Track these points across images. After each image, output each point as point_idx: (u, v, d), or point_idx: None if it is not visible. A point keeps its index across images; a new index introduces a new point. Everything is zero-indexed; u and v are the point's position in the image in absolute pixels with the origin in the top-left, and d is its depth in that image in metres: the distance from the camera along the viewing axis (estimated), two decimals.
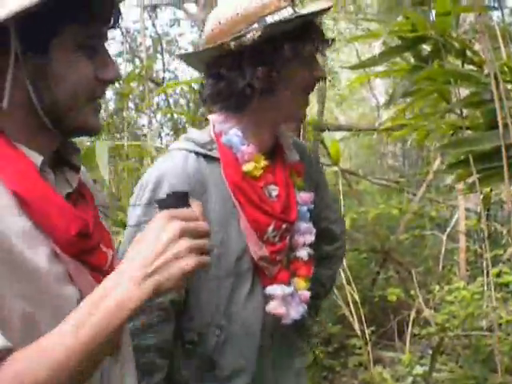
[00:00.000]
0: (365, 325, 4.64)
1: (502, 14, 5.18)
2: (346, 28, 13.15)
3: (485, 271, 5.12)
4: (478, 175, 1.72)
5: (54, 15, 1.06)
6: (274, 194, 1.89)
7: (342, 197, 5.24)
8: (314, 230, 1.99)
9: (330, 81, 11.76)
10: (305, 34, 1.78)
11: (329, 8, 1.80)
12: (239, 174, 1.83)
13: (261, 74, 1.74)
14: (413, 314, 5.36)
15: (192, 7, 10.12)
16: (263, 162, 1.84)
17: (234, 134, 1.85)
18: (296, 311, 1.90)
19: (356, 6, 12.42)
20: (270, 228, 1.81)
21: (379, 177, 9.71)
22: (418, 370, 4.83)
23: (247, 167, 1.83)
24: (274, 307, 1.86)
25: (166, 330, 1.78)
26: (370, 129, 8.97)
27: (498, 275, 5.38)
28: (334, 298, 4.72)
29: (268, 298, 1.87)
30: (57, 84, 1.12)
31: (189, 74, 10.72)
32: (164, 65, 9.72)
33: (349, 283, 4.43)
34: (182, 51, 9.45)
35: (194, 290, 1.82)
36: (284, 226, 1.85)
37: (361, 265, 6.74)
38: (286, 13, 1.75)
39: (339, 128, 8.76)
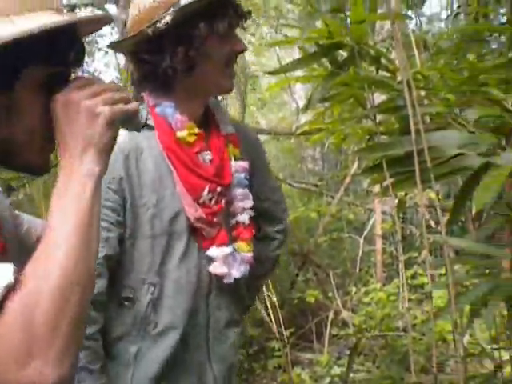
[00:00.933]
0: (283, 327, 4.68)
1: (420, 22, 5.33)
2: (268, 32, 13.26)
3: (400, 273, 5.25)
4: (392, 179, 1.75)
5: (17, 57, 1.06)
6: (208, 159, 1.98)
7: None
8: (251, 196, 2.09)
9: (250, 85, 11.81)
10: (219, 10, 1.88)
11: None
12: (173, 139, 1.93)
13: (180, 54, 1.85)
14: (331, 316, 5.45)
15: (112, 8, 9.99)
16: (196, 130, 1.95)
17: (167, 105, 1.95)
18: (237, 270, 2.00)
19: (277, 12, 12.53)
20: (205, 191, 1.92)
21: (299, 180, 9.80)
22: (336, 370, 4.91)
23: (180, 134, 1.93)
24: (215, 267, 1.95)
25: (98, 284, 1.81)
26: (289, 133, 9.06)
27: (413, 277, 5.54)
28: None
29: (208, 260, 1.96)
30: (18, 120, 1.11)
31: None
32: (83, 66, 9.56)
33: (267, 286, 4.45)
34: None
35: (129, 248, 1.91)
36: (219, 189, 1.95)
37: (280, 267, 6.79)
38: None
39: (259, 132, 8.82)
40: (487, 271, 1.99)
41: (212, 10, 1.85)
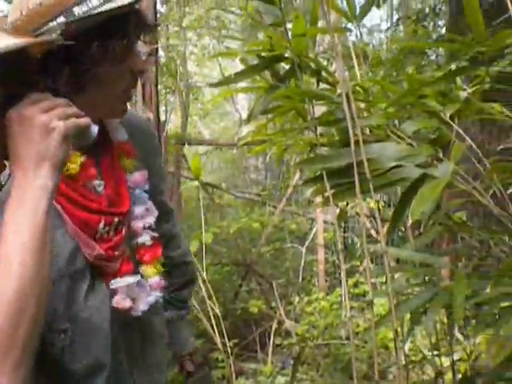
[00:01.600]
0: (226, 338, 4.67)
1: (360, 34, 5.43)
2: (209, 43, 13.27)
3: (342, 282, 5.31)
4: (333, 190, 1.77)
5: None
6: (100, 188, 1.74)
7: (203, 211, 5.25)
8: (155, 209, 1.89)
9: (193, 95, 11.79)
10: (119, 28, 1.58)
11: None
12: None
13: (65, 75, 1.54)
14: (274, 326, 5.46)
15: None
16: (81, 159, 1.67)
17: None
18: (145, 302, 1.81)
19: (219, 22, 12.57)
20: (100, 225, 1.69)
21: (242, 190, 9.83)
22: (280, 380, 4.92)
23: None
24: (117, 301, 1.75)
25: None
26: (231, 143, 9.09)
27: (356, 285, 5.61)
28: (196, 312, 4.73)
29: (112, 294, 1.75)
30: None
31: None
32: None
33: (210, 297, 4.44)
34: None
35: None
36: (116, 219, 1.73)
37: (223, 278, 6.79)
38: (97, 1, 1.47)
39: (201, 142, 8.81)
40: (427, 279, 2.03)
41: (110, 27, 1.54)
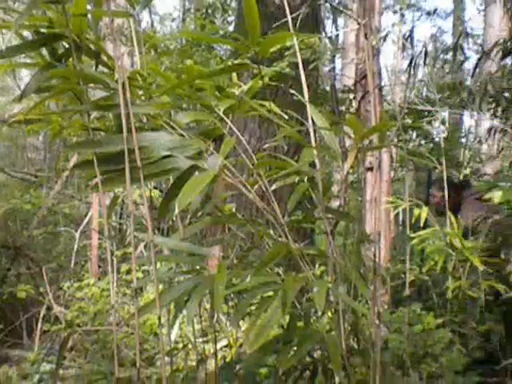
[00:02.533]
0: None
1: (152, 21, 5.40)
2: None
3: (113, 268, 5.28)
4: (105, 176, 1.76)
5: None
6: None
7: None
8: None
9: None
10: None
11: None
12: None
13: None
14: (43, 311, 5.30)
15: None
16: None
17: None
18: None
19: None
20: None
21: (19, 170, 9.39)
22: (46, 367, 4.79)
23: None
24: None
25: None
26: (2, 120, 8.65)
27: (128, 272, 5.60)
28: None
29: None
30: None
31: None
32: None
33: None
34: None
35: None
36: None
37: None
38: None
39: None
40: (194, 268, 2.09)
41: None
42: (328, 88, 7.99)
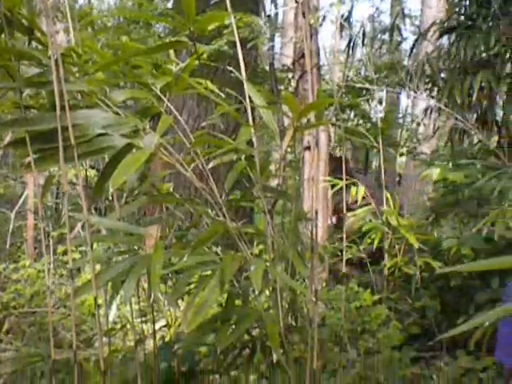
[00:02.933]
0: None
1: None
2: None
3: (51, 249, 5.20)
4: (38, 154, 1.72)
5: None
6: None
7: None
8: None
9: None
10: None
11: None
12: None
13: None
14: None
15: None
16: None
17: None
18: None
19: None
20: None
21: None
22: None
23: None
24: None
25: None
26: None
27: (65, 253, 5.51)
28: None
29: None
30: None
31: None
32: None
33: None
34: None
35: None
36: None
37: None
38: None
39: None
40: (131, 248, 2.07)
41: None
42: (268, 67, 7.99)
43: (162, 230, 2.36)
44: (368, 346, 3.89)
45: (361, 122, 9.03)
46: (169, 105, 1.94)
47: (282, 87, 8.04)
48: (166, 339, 3.89)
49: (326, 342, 3.80)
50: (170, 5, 9.34)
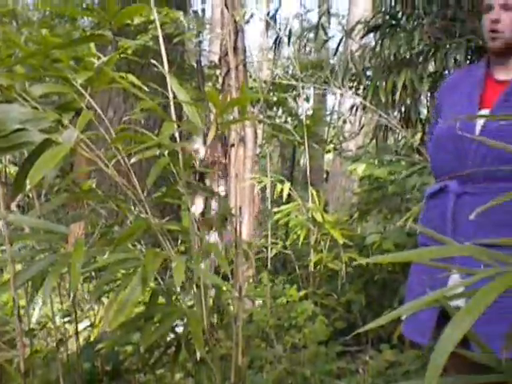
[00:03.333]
0: None
1: None
2: None
3: None
4: None
5: None
6: None
7: None
8: None
9: None
10: None
11: None
12: None
13: None
14: None
15: None
16: None
17: None
18: None
19: None
20: None
21: None
22: None
23: None
24: None
25: None
26: None
27: None
28: None
29: None
30: None
31: None
32: None
33: None
34: None
35: None
36: None
37: None
38: None
39: None
40: (52, 246, 2.02)
41: None
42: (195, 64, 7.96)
43: (87, 227, 2.32)
44: (294, 342, 3.91)
45: (289, 119, 9.09)
46: (90, 100, 1.90)
47: (210, 84, 8.02)
48: (91, 339, 3.83)
49: (253, 338, 3.82)
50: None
